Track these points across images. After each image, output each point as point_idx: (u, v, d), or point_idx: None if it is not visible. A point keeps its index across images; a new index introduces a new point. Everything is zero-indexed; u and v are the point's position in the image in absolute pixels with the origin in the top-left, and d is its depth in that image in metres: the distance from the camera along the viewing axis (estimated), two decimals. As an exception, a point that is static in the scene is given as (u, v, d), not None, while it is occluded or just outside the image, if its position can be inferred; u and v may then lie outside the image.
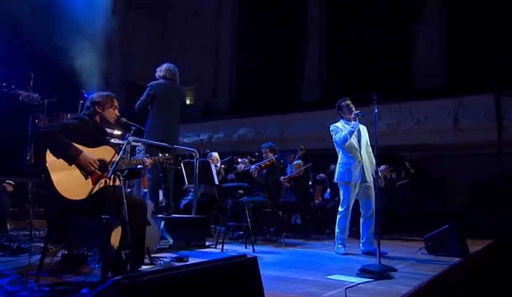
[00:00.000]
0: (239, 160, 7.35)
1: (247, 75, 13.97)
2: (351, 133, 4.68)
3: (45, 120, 4.65)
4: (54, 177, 2.57)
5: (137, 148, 3.85)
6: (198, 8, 15.54)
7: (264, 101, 12.45)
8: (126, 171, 2.85)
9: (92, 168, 2.70)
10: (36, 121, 5.41)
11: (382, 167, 7.56)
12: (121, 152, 2.71)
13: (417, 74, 10.73)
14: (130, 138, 4.36)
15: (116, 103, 3.03)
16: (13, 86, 6.58)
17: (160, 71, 4.91)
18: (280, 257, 4.32)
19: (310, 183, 8.46)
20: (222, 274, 1.33)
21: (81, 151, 2.69)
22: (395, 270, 3.50)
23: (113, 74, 13.72)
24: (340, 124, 4.88)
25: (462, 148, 9.24)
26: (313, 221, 8.09)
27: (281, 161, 9.11)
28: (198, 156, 5.29)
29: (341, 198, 4.85)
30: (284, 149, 9.29)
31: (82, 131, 2.83)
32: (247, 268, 1.43)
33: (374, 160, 4.86)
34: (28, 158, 4.65)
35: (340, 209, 4.83)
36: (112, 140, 5.49)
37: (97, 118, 3.01)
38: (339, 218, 4.81)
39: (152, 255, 3.75)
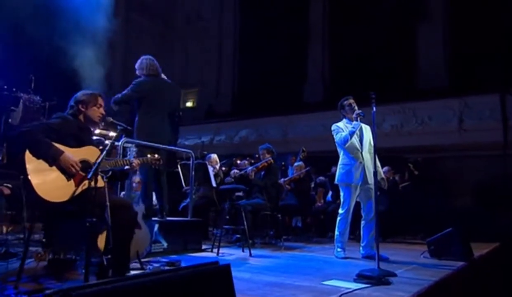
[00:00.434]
0: (238, 162, 7.22)
1: (250, 76, 13.88)
2: (351, 133, 4.55)
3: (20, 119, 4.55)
4: (34, 179, 2.45)
5: (128, 149, 3.74)
6: (200, 10, 15.49)
7: (266, 102, 12.33)
8: (110, 173, 2.74)
9: (73, 169, 2.59)
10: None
11: (385, 168, 7.39)
12: (104, 152, 2.59)
13: (420, 74, 10.57)
14: (124, 139, 4.32)
15: (100, 101, 2.91)
16: (14, 89, 6.53)
17: (142, 69, 4.69)
18: (277, 261, 4.19)
19: (312, 185, 8.34)
20: (189, 283, 1.21)
21: (62, 152, 2.58)
22: (395, 275, 3.36)
23: (115, 76, 13.68)
24: (342, 123, 4.75)
25: (467, 149, 9.05)
26: (314, 224, 7.95)
27: (283, 163, 9.02)
28: (194, 158, 5.16)
29: (342, 200, 4.72)
30: (287, 151, 9.19)
31: (65, 131, 2.72)
32: (219, 277, 1.31)
33: (378, 162, 4.73)
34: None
35: (340, 211, 4.69)
36: (107, 142, 5.44)
37: (81, 117, 2.89)
38: (339, 220, 4.68)
39: (143, 260, 3.65)
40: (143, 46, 15.35)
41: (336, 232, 4.68)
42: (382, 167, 4.86)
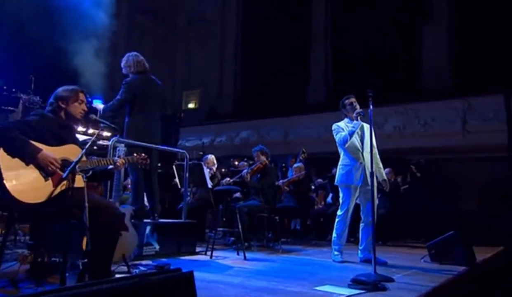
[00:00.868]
0: (236, 163, 7.10)
1: (252, 78, 13.79)
2: (351, 133, 4.42)
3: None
4: (8, 178, 2.33)
5: (118, 148, 3.63)
6: (202, 11, 15.42)
7: (269, 104, 12.22)
8: (90, 172, 2.62)
9: (53, 167, 2.47)
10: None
11: (386, 170, 7.22)
12: (83, 151, 2.47)
13: (424, 75, 10.41)
14: (114, 138, 4.21)
15: (82, 97, 2.80)
16: (13, 90, 6.45)
17: (129, 66, 4.57)
18: (271, 265, 4.05)
19: (312, 187, 8.20)
20: (149, 291, 1.09)
21: (40, 150, 2.47)
22: (392, 280, 3.22)
23: (117, 77, 13.62)
24: (342, 123, 4.61)
25: (471, 151, 8.88)
26: (314, 226, 7.80)
27: (283, 164, 8.90)
28: (188, 158, 5.04)
29: (341, 201, 4.58)
30: (288, 153, 9.06)
31: (44, 129, 2.61)
32: (181, 285, 1.19)
33: (380, 163, 4.60)
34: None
35: (339, 212, 4.55)
36: (101, 142, 5.34)
37: (62, 114, 2.78)
38: (337, 221, 4.53)
39: (132, 263, 3.53)
40: (145, 47, 15.31)
41: (334, 234, 4.54)
42: (384, 168, 4.71)
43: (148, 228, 4.29)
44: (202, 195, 6.32)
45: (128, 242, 3.35)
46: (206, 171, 5.38)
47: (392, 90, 9.77)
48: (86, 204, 2.36)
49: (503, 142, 8.40)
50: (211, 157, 6.64)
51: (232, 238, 5.63)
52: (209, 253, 4.55)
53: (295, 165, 7.08)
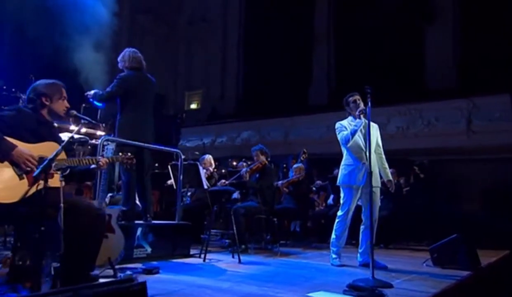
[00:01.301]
0: (234, 163, 6.96)
1: (254, 79, 13.66)
2: (353, 132, 4.24)
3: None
4: (-22, 177, 2.20)
5: (106, 147, 3.49)
6: (205, 12, 15.32)
7: (271, 104, 12.07)
8: (68, 170, 2.47)
9: (29, 164, 2.34)
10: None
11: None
12: (60, 148, 2.33)
13: (428, 74, 10.22)
14: (104, 137, 4.07)
15: (65, 93, 2.66)
16: (13, 89, 6.35)
17: (124, 61, 4.44)
18: (265, 269, 3.90)
19: (314, 189, 8.04)
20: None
21: (15, 146, 2.33)
22: (391, 286, 3.06)
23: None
24: (346, 122, 4.44)
25: (476, 152, 8.70)
26: (315, 228, 7.63)
27: (284, 165, 8.75)
28: (182, 158, 4.90)
29: (342, 201, 4.40)
30: (288, 153, 8.91)
31: (21, 125, 2.47)
32: (133, 296, 1.05)
33: (386, 163, 4.43)
34: None
35: (339, 213, 4.38)
36: (93, 141, 5.21)
37: (44, 112, 2.64)
38: (337, 222, 4.36)
39: (119, 266, 3.39)
40: (147, 47, 15.24)
41: (333, 235, 4.38)
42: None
43: (139, 230, 4.15)
44: (199, 196, 6.17)
45: (114, 244, 3.21)
46: (202, 172, 5.22)
47: (395, 90, 9.60)
48: (62, 205, 2.22)
49: (509, 142, 8.18)
50: (208, 157, 6.50)
51: (228, 241, 5.48)
52: (203, 255, 4.40)
53: (294, 166, 6.93)
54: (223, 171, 7.74)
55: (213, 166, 6.55)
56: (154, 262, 3.99)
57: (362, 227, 4.41)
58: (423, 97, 9.48)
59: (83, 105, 9.06)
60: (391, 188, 4.53)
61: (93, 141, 5.08)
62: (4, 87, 6.15)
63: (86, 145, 4.86)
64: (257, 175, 5.67)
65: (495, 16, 9.32)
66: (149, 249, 4.23)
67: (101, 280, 2.90)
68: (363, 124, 4.28)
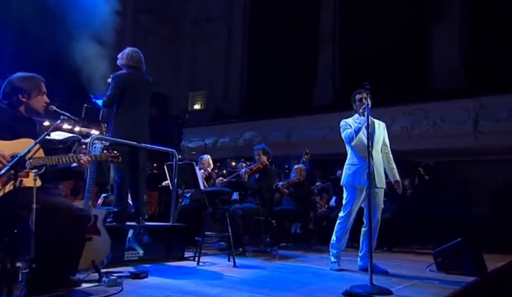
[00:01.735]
0: (233, 164, 6.82)
1: (259, 79, 13.50)
2: (357, 130, 4.07)
3: None
4: None
5: (94, 145, 3.36)
6: (209, 12, 15.22)
7: (275, 105, 11.92)
8: (43, 169, 2.33)
9: (-1, 163, 2.21)
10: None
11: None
12: (33, 144, 2.20)
13: (434, 74, 10.02)
14: (93, 135, 3.94)
15: (44, 88, 2.53)
16: None
17: (122, 58, 4.31)
18: (260, 273, 3.74)
19: (316, 190, 7.87)
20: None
21: (-15, 143, 2.20)
22: (390, 293, 2.89)
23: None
24: (351, 119, 4.28)
25: (483, 153, 8.48)
26: (317, 231, 7.46)
27: (286, 165, 8.58)
28: (177, 158, 4.76)
29: (344, 202, 4.23)
30: (291, 154, 8.74)
31: None
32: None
33: (393, 163, 4.27)
34: None
35: (340, 214, 4.20)
36: (87, 140, 5.08)
37: (22, 108, 2.51)
38: (338, 223, 4.18)
39: (106, 270, 3.24)
40: (151, 48, 15.15)
41: (333, 237, 4.21)
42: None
43: (130, 232, 4.01)
44: (197, 197, 6.04)
45: (99, 247, 3.07)
46: (199, 172, 5.09)
47: (400, 90, 9.41)
48: (34, 206, 2.08)
49: (517, 143, 7.98)
50: (207, 158, 6.36)
51: (222, 243, 5.34)
52: (197, 258, 4.26)
53: (295, 167, 6.78)
54: (224, 171, 7.61)
55: (212, 166, 6.42)
56: (147, 265, 3.86)
57: (363, 229, 4.24)
58: (428, 97, 9.27)
59: (85, 105, 8.99)
60: (399, 189, 4.36)
61: (87, 140, 4.97)
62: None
63: (78, 143, 4.73)
64: (257, 176, 5.53)
65: (502, 15, 9.11)
66: (141, 252, 4.09)
67: (84, 285, 2.78)
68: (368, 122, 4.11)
